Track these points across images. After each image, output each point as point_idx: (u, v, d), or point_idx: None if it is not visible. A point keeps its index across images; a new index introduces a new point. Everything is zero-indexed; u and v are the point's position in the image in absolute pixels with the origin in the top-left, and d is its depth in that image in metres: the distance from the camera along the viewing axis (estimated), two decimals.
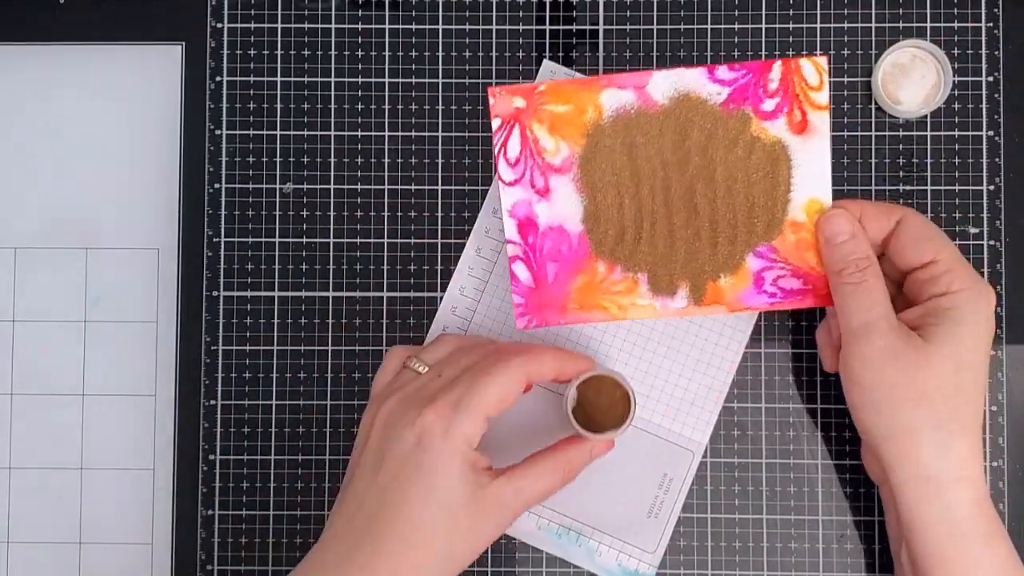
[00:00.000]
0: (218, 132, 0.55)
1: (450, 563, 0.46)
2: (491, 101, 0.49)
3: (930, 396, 0.46)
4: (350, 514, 0.46)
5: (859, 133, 0.54)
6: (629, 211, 0.50)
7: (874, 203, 0.50)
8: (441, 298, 0.55)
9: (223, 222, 0.55)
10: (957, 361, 0.46)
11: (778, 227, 0.49)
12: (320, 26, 0.55)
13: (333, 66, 0.55)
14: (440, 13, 0.55)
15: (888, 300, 0.48)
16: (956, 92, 0.54)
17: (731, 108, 0.48)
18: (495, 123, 0.49)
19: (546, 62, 0.55)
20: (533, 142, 0.49)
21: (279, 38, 0.55)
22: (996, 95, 0.54)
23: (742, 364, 0.54)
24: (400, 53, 0.55)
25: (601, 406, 0.50)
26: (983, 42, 0.54)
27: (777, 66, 0.48)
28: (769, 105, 0.48)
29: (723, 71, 0.48)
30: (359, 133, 0.55)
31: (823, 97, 0.48)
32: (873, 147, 0.54)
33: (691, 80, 0.48)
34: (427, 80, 0.55)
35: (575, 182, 0.50)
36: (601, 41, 0.55)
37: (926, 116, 0.54)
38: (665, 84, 0.48)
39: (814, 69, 0.48)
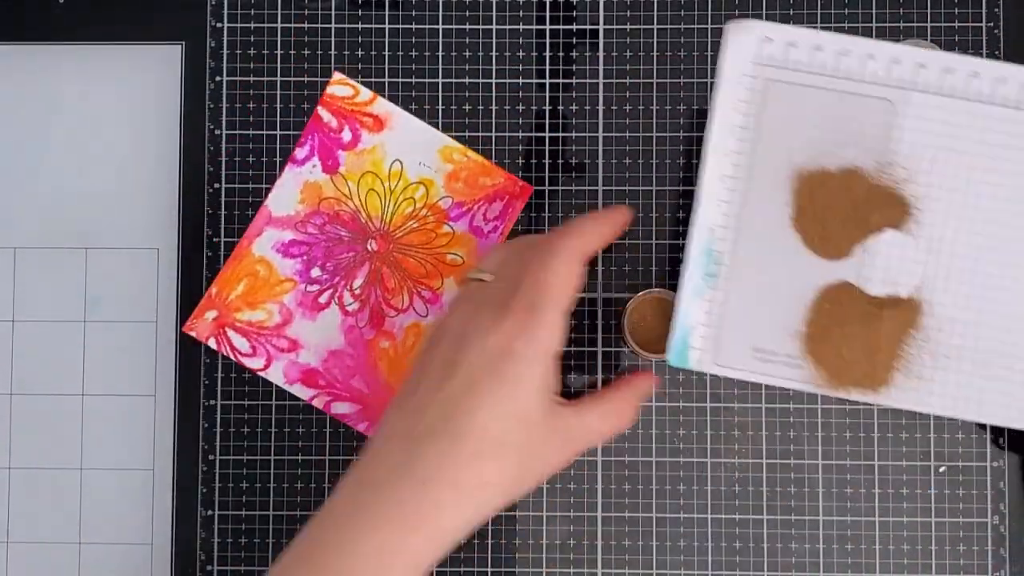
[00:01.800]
0: (218, 132, 0.55)
1: (518, 484, 0.43)
2: (193, 334, 0.54)
3: None
4: (409, 424, 0.43)
5: None
6: None
7: None
8: None
9: (223, 222, 0.55)
10: None
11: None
12: (320, 26, 0.55)
13: (333, 66, 0.55)
14: (440, 13, 0.55)
15: None
16: None
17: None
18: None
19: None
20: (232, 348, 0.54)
21: (279, 38, 0.55)
22: None
23: None
24: (400, 53, 0.55)
25: (654, 328, 0.50)
26: (983, 42, 0.54)
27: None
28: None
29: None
30: None
31: None
32: None
33: None
34: (427, 80, 0.55)
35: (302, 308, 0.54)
36: (601, 41, 0.55)
37: None
38: None
39: None
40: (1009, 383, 0.47)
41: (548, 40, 0.55)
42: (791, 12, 0.54)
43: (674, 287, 0.53)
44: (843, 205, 0.47)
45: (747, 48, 0.46)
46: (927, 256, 0.47)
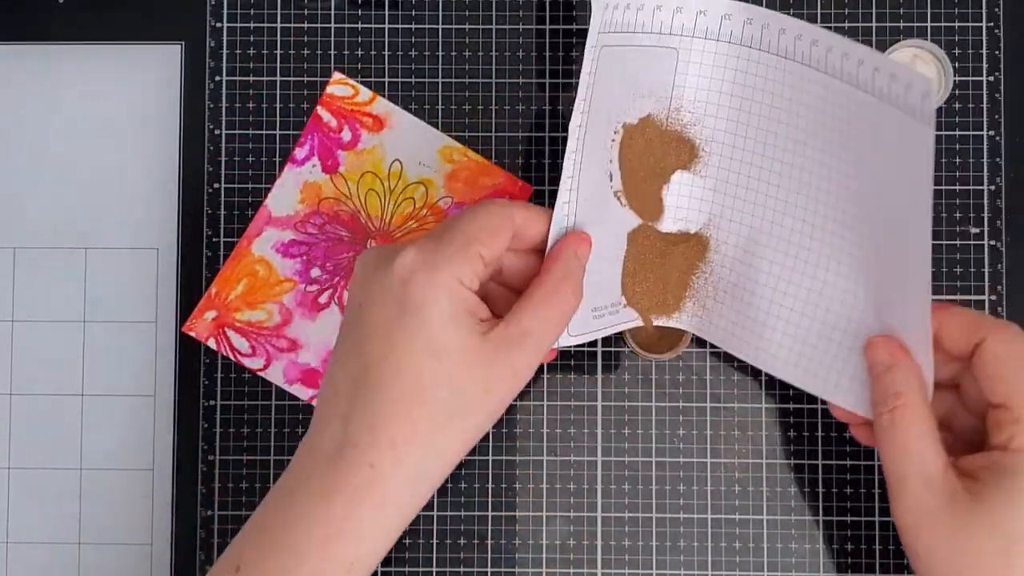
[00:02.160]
0: (217, 132, 0.55)
1: (462, 418, 0.40)
2: (192, 334, 0.54)
3: (972, 570, 0.39)
4: (335, 385, 0.41)
5: None
6: None
7: (961, 313, 0.43)
8: None
9: (223, 222, 0.55)
10: (1008, 534, 0.39)
11: None
12: (320, 26, 0.55)
13: (333, 66, 0.55)
14: (440, 13, 0.55)
15: (928, 445, 0.41)
16: (957, 92, 0.54)
17: None
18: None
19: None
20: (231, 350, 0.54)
21: (279, 38, 0.55)
22: (997, 95, 0.54)
23: (741, 364, 0.54)
24: (400, 53, 0.55)
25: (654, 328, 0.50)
26: (984, 42, 0.54)
27: None
28: None
29: None
30: None
31: None
32: None
33: None
34: (427, 80, 0.55)
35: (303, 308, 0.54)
36: None
37: None
38: None
39: None
40: (761, 325, 0.48)
41: (548, 40, 0.55)
42: (791, 11, 0.54)
43: None
44: (647, 157, 0.48)
45: (596, 18, 0.45)
46: (713, 195, 0.49)
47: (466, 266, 0.40)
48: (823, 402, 0.54)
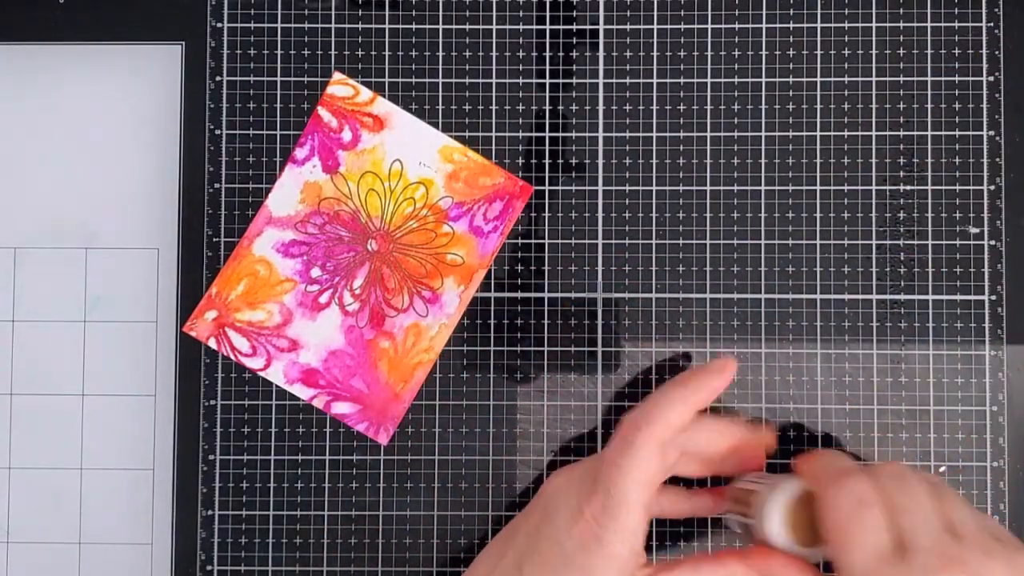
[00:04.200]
0: (218, 132, 0.55)
1: None
2: (193, 334, 0.54)
3: None
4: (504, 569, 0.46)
5: (859, 133, 0.54)
6: None
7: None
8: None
9: (223, 222, 0.55)
10: None
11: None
12: (320, 26, 0.55)
13: (333, 66, 0.55)
14: (440, 13, 0.55)
15: None
16: (957, 92, 0.54)
17: None
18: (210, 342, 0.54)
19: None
20: (231, 349, 0.54)
21: (279, 38, 0.55)
22: (997, 95, 0.54)
23: (742, 365, 0.54)
24: (400, 53, 0.55)
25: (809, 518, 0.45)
26: (983, 42, 0.54)
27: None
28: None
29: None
30: None
31: None
32: (874, 147, 0.54)
33: None
34: (427, 80, 0.55)
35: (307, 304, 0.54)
36: (601, 41, 0.55)
37: (926, 116, 0.54)
38: None
39: None
40: None
41: (548, 40, 0.55)
42: (791, 12, 0.55)
43: (673, 288, 0.53)
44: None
45: None
46: None
47: (637, 532, 0.44)
48: (823, 402, 0.54)
